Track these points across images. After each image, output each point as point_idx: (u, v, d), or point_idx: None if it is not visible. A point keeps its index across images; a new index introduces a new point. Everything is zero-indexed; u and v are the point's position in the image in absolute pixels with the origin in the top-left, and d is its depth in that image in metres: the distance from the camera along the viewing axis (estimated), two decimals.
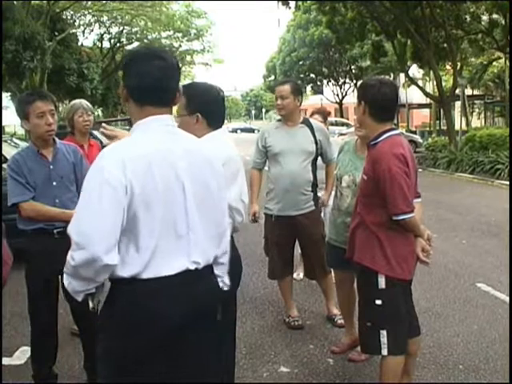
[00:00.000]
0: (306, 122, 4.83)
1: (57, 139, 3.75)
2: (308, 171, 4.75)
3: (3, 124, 48.47)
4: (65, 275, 2.14)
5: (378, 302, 3.30)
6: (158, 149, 2.16)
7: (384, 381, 3.42)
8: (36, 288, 3.63)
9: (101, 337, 2.25)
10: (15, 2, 20.17)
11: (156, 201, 2.10)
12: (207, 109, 2.92)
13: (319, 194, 4.93)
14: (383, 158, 3.20)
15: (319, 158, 4.89)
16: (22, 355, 4.37)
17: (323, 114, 5.97)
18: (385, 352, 3.33)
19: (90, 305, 2.24)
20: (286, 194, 4.71)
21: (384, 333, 3.31)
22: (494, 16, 20.70)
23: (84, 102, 4.87)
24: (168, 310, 2.14)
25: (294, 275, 5.57)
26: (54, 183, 3.62)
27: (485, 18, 21.60)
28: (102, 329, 2.24)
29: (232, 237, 2.90)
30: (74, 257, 2.04)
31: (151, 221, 2.11)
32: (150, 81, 2.20)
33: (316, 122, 5.07)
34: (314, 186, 4.81)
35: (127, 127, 23.88)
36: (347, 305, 4.35)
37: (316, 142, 4.75)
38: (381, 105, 3.32)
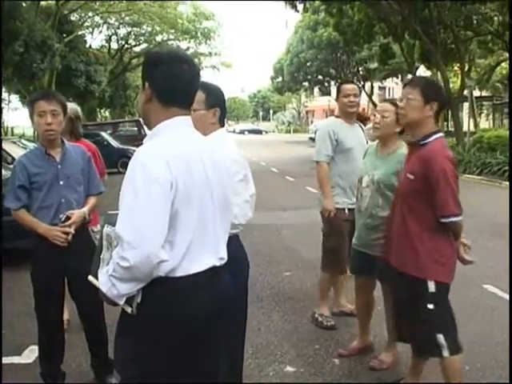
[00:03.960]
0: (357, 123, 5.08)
1: (65, 140, 3.77)
2: None
3: (12, 125, 48.83)
4: (106, 281, 2.11)
5: (430, 306, 3.29)
6: (190, 148, 2.23)
7: (452, 381, 3.38)
8: (41, 288, 3.66)
9: (127, 338, 2.23)
10: (24, 4, 20.26)
11: (194, 197, 2.16)
12: (222, 105, 3.02)
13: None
14: (437, 159, 3.20)
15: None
16: (30, 354, 4.39)
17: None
18: (446, 354, 3.30)
19: (129, 309, 2.16)
20: (353, 188, 4.73)
21: (441, 336, 3.29)
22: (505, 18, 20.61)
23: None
24: (200, 307, 2.18)
25: None
26: (61, 182, 3.64)
27: (495, 19, 21.50)
28: (128, 330, 2.22)
29: (237, 236, 2.92)
30: (126, 257, 2.02)
31: (189, 217, 2.15)
32: (181, 84, 2.26)
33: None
34: None
35: (135, 128, 23.89)
36: (366, 311, 4.31)
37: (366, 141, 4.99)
38: (445, 106, 3.40)
